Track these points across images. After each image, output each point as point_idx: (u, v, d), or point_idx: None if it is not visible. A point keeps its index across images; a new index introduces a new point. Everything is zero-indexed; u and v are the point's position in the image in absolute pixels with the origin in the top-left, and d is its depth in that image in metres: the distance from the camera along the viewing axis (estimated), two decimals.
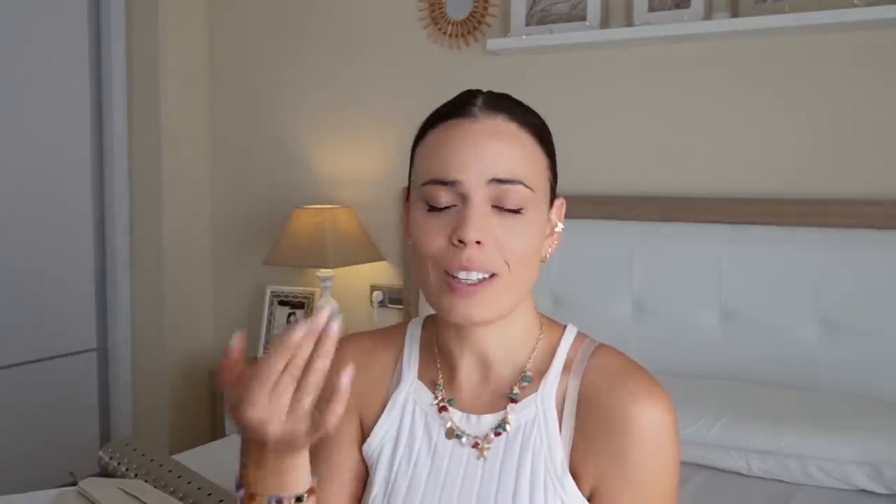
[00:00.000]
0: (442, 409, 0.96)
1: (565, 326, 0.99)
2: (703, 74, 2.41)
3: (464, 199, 0.87)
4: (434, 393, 0.97)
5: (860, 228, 2.14)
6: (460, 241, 0.85)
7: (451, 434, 0.95)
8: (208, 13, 3.35)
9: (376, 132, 2.99)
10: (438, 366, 0.99)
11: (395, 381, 1.00)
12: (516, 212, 0.87)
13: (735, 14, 2.30)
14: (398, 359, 1.02)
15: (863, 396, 2.06)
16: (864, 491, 1.80)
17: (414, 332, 1.04)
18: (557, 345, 0.96)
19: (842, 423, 1.88)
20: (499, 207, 0.87)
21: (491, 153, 0.87)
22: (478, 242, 0.85)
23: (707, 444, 1.89)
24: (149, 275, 3.28)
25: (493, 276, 0.87)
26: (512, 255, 0.87)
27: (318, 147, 3.13)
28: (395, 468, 0.96)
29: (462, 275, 0.86)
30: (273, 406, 0.77)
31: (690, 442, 1.86)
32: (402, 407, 0.98)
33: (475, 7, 2.72)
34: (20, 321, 3.04)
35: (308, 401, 0.77)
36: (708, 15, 2.35)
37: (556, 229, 0.96)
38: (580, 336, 0.98)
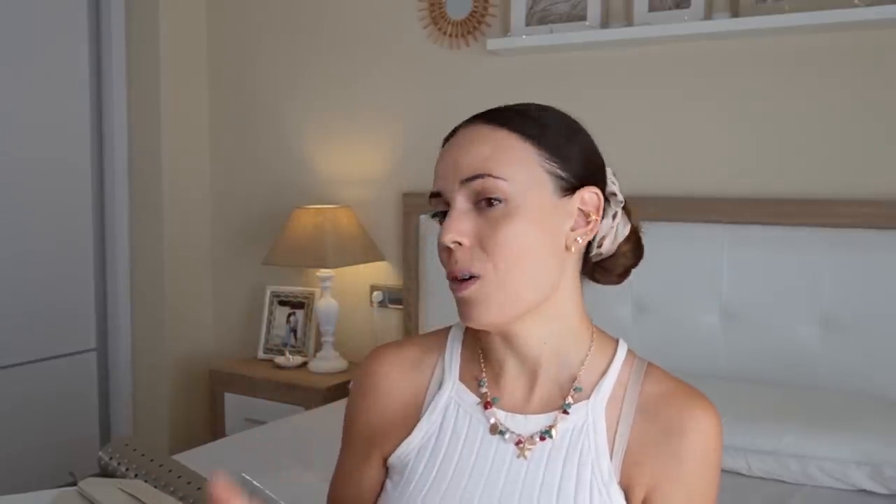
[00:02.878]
0: (487, 405, 0.96)
1: (618, 340, 1.00)
2: (702, 74, 2.41)
3: (448, 206, 0.91)
4: (478, 392, 0.98)
5: (860, 228, 2.14)
6: (446, 247, 0.90)
7: (495, 430, 0.95)
8: (208, 13, 3.35)
9: (376, 132, 2.99)
10: (483, 366, 0.99)
11: (437, 384, 1.00)
12: (495, 203, 0.88)
13: (735, 14, 2.30)
14: (438, 362, 1.02)
15: (863, 396, 2.06)
16: (864, 491, 1.80)
17: (456, 335, 1.04)
18: (612, 357, 0.97)
19: (842, 423, 1.88)
20: (479, 204, 0.89)
21: (459, 157, 0.91)
22: (459, 244, 0.89)
23: None
24: (149, 275, 3.28)
25: (476, 277, 0.89)
26: (497, 251, 0.88)
27: (318, 147, 3.13)
28: (436, 466, 0.95)
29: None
30: None
31: None
32: (443, 409, 0.98)
33: (475, 7, 2.72)
34: (20, 321, 3.04)
35: None
36: (708, 15, 2.35)
37: (590, 218, 0.94)
38: (631, 353, 1.00)
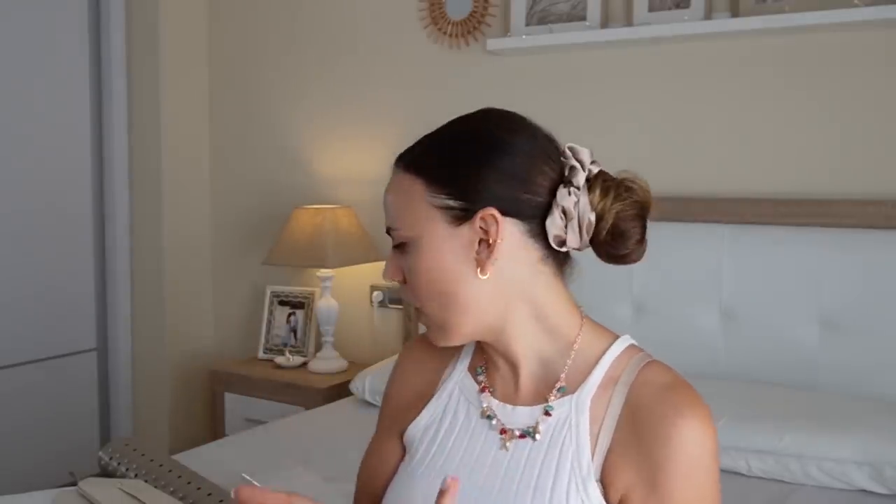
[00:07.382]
0: (483, 389, 1.01)
1: (617, 336, 0.99)
2: (702, 74, 2.42)
3: None
4: (477, 380, 1.03)
5: (860, 228, 2.14)
6: None
7: (484, 414, 0.99)
8: (208, 12, 3.35)
9: (376, 132, 2.99)
10: (485, 359, 1.04)
11: (450, 371, 1.07)
12: (402, 247, 0.98)
13: (735, 14, 2.30)
14: (458, 351, 1.07)
15: (863, 396, 2.06)
16: (864, 491, 1.80)
17: None
18: (601, 356, 0.96)
19: (842, 423, 1.88)
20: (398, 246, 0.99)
21: (384, 204, 1.02)
22: (401, 281, 1.00)
23: None
24: (149, 275, 3.28)
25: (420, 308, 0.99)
26: (412, 287, 0.98)
27: (318, 147, 3.13)
28: (434, 447, 1.00)
29: None
30: None
31: None
32: (449, 394, 1.04)
33: (475, 7, 2.72)
34: (20, 321, 3.04)
35: None
36: (708, 15, 2.35)
37: (494, 241, 0.92)
38: (632, 349, 0.98)
